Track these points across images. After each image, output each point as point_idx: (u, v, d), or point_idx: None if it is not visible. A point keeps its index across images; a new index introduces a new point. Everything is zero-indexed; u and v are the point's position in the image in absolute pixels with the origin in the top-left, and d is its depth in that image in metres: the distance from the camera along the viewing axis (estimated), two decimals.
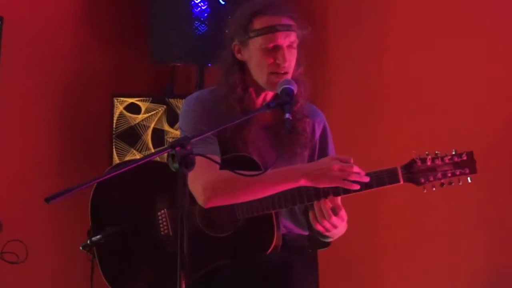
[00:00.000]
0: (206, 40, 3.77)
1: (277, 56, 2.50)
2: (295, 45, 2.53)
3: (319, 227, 2.45)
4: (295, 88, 2.42)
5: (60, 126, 4.08)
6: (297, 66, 2.57)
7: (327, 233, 2.48)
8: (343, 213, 2.45)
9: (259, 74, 2.53)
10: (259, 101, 2.59)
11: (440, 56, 3.60)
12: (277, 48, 2.50)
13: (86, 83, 4.14)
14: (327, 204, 2.42)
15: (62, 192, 1.92)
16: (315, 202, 2.43)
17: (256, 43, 2.51)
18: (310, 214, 2.46)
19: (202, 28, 3.80)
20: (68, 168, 4.03)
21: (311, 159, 2.61)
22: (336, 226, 2.44)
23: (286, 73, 2.51)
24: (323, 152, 2.63)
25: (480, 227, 3.49)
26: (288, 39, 2.51)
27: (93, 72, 4.14)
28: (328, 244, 2.65)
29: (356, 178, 2.40)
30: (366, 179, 2.40)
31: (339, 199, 2.44)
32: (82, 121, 4.13)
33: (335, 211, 2.42)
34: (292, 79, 2.50)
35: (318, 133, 2.65)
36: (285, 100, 2.36)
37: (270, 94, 2.59)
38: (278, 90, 2.43)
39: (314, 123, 2.64)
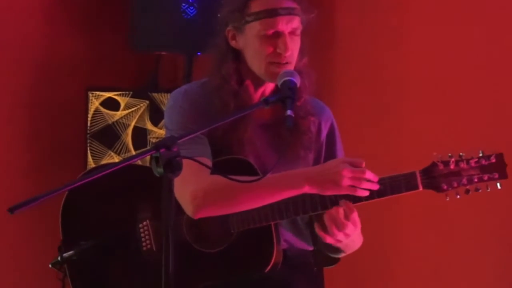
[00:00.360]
0: (195, 26, 3.77)
1: (277, 44, 2.49)
2: (298, 31, 2.53)
3: (329, 240, 2.44)
4: (298, 80, 2.42)
5: (27, 124, 4.08)
6: (301, 56, 2.57)
7: (338, 245, 2.47)
8: (355, 216, 2.42)
9: (256, 64, 2.53)
10: (257, 95, 2.59)
11: (465, 45, 3.62)
12: (277, 35, 2.50)
13: (56, 75, 4.14)
14: (340, 212, 2.41)
15: (29, 201, 1.92)
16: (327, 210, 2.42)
17: (253, 29, 2.51)
18: (316, 225, 2.45)
19: (191, 11, 3.80)
20: (36, 173, 4.03)
21: (316, 163, 2.60)
22: (349, 235, 2.43)
23: (287, 63, 2.51)
24: (330, 155, 2.62)
25: (508, 237, 3.50)
26: (291, 25, 2.51)
27: (65, 62, 4.15)
28: (337, 260, 2.64)
29: (368, 185, 2.40)
30: (378, 187, 2.40)
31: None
32: (52, 119, 4.13)
33: (346, 215, 2.41)
34: (295, 71, 2.49)
35: (324, 132, 2.65)
36: (286, 94, 2.36)
37: (269, 88, 2.59)
38: (279, 83, 2.43)
39: (320, 121, 2.64)
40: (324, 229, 2.44)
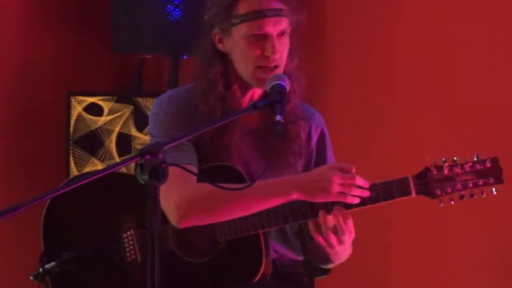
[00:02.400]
0: (180, 28, 3.79)
1: (265, 47, 2.52)
2: (287, 33, 2.56)
3: (321, 240, 2.46)
4: (287, 84, 2.44)
5: (6, 131, 4.09)
6: (290, 59, 2.60)
7: (329, 250, 2.50)
8: (350, 223, 2.45)
9: (243, 68, 2.56)
10: (245, 100, 2.62)
11: (460, 47, 3.64)
12: (265, 37, 2.53)
13: (36, 79, 4.15)
14: (339, 216, 2.43)
15: (8, 210, 1.93)
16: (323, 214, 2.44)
17: (240, 31, 2.54)
18: (311, 224, 2.47)
19: (176, 13, 3.82)
20: (16, 181, 4.03)
21: (306, 169, 2.63)
22: (343, 242, 2.46)
23: (276, 67, 2.54)
24: (321, 162, 2.65)
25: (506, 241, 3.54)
26: (279, 27, 2.54)
27: (45, 65, 4.15)
28: (328, 270, 2.67)
29: (359, 192, 2.43)
30: (369, 194, 2.43)
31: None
32: (33, 125, 4.14)
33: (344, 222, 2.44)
34: (284, 74, 2.52)
35: (314, 138, 2.68)
36: (275, 99, 2.38)
37: (258, 92, 2.62)
38: (268, 87, 2.45)
39: (310, 127, 2.67)
40: (318, 230, 2.46)
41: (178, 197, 2.47)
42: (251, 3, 2.53)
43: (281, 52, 2.54)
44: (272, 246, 2.60)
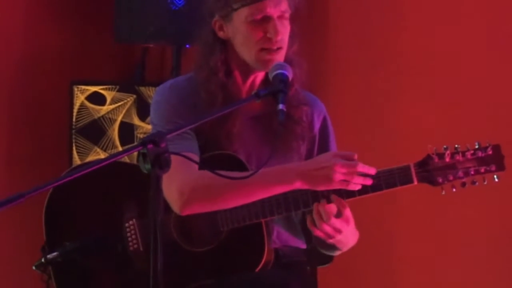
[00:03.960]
0: (183, 16, 3.79)
1: (267, 29, 2.52)
2: (287, 15, 2.57)
3: (318, 233, 2.47)
4: (290, 73, 2.44)
5: (9, 120, 4.09)
6: (291, 43, 2.60)
7: (330, 240, 2.50)
8: (348, 212, 2.46)
9: (246, 52, 2.56)
10: (246, 86, 2.62)
11: (462, 36, 3.63)
12: (266, 20, 2.53)
13: (39, 68, 4.15)
14: (327, 205, 2.44)
15: (10, 199, 1.94)
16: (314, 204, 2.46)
17: (241, 16, 2.54)
18: (308, 218, 2.48)
19: (179, 2, 3.82)
20: (18, 171, 4.04)
21: (309, 154, 2.64)
22: (340, 230, 2.46)
23: (279, 49, 2.54)
24: (324, 149, 2.65)
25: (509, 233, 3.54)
26: (279, 8, 2.54)
27: (48, 55, 4.16)
28: (330, 259, 2.67)
29: (362, 180, 2.43)
30: (371, 181, 2.43)
31: None
32: (36, 114, 4.14)
33: (338, 212, 2.44)
34: (286, 59, 2.53)
35: (317, 125, 2.67)
36: (278, 88, 2.38)
37: (259, 78, 2.62)
38: (270, 76, 2.45)
39: (312, 113, 2.67)
40: (313, 223, 2.47)
41: (180, 184, 2.47)
42: None
43: (283, 33, 2.55)
44: (275, 234, 2.60)
